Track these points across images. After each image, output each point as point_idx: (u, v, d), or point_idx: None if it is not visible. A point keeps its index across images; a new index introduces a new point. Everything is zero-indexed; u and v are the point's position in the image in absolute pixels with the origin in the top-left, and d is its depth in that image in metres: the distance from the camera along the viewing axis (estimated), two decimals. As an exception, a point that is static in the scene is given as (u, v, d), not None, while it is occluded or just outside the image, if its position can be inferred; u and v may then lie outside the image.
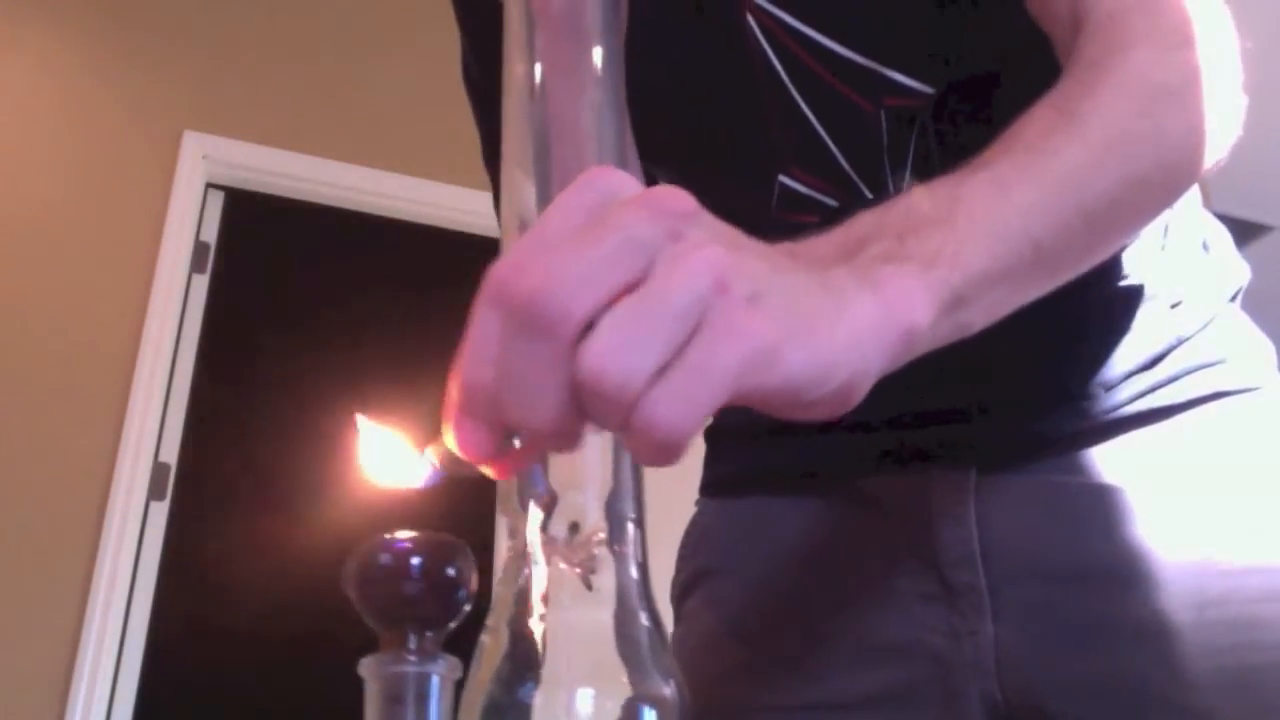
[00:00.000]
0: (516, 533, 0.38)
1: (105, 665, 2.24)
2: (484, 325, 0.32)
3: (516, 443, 0.34)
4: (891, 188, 0.62)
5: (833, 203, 0.63)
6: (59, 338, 2.44)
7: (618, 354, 0.30)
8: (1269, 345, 0.68)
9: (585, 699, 0.35)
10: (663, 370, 0.30)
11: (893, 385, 0.64)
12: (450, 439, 0.33)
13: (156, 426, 2.45)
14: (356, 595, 0.34)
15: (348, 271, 2.78)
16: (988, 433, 0.64)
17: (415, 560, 0.34)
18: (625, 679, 0.35)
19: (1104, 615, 0.58)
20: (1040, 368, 0.63)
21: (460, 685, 0.36)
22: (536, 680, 0.35)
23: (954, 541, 0.62)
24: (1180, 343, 0.63)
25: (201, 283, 2.64)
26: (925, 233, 0.39)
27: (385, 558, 0.34)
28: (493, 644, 0.36)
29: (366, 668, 0.34)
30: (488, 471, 0.34)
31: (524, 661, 0.35)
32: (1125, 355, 0.63)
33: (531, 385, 0.30)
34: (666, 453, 0.30)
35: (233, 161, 2.69)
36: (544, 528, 0.38)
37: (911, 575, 0.64)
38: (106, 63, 2.68)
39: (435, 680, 0.34)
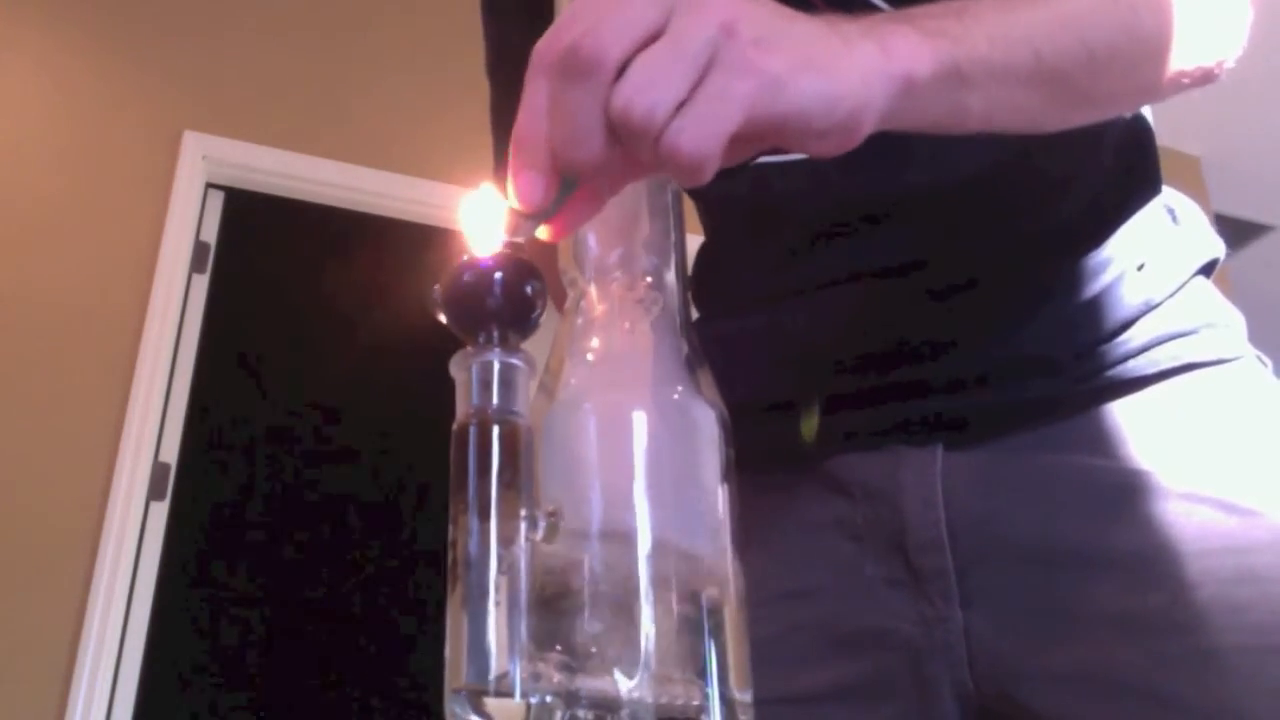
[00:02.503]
0: (575, 283, 0.43)
1: (105, 665, 2.23)
2: (534, 90, 0.38)
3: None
4: None
5: None
6: (59, 337, 2.43)
7: (643, 90, 0.36)
8: (1240, 317, 0.66)
9: (638, 415, 0.39)
10: (683, 104, 0.36)
11: (857, 358, 0.63)
12: (511, 193, 0.38)
13: (156, 426, 2.45)
14: (445, 308, 0.38)
15: (348, 272, 2.78)
16: (953, 406, 0.62)
17: (498, 276, 0.38)
18: (675, 394, 0.41)
19: (1075, 599, 0.57)
20: (1005, 336, 0.62)
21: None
22: (589, 398, 0.41)
23: (921, 524, 0.61)
24: (1150, 308, 0.62)
25: (201, 283, 2.63)
26: (931, 20, 0.44)
27: (469, 275, 0.38)
28: (555, 365, 0.41)
29: (456, 362, 0.37)
30: (543, 234, 0.39)
31: (581, 383, 0.41)
32: (1093, 320, 0.61)
33: (578, 123, 0.36)
34: (694, 173, 0.36)
35: (233, 161, 2.69)
36: (596, 278, 0.43)
37: (878, 560, 0.62)
38: (106, 63, 2.68)
39: (521, 370, 0.37)
